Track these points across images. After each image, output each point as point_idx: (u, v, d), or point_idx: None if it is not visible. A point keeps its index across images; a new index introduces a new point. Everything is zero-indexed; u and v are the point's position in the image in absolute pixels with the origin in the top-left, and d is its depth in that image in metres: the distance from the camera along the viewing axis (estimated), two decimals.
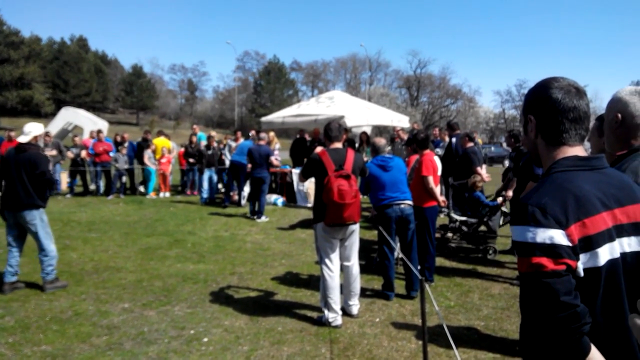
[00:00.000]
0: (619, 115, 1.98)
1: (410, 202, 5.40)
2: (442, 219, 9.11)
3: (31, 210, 5.37)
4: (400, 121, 14.52)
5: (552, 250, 1.28)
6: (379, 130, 32.59)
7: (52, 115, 35.47)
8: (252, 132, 12.49)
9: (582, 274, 1.31)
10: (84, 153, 13.32)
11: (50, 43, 64.35)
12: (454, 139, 10.33)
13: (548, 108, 1.47)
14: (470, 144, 8.90)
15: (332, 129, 4.79)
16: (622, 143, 2.00)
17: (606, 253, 1.33)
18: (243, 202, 11.81)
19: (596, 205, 1.35)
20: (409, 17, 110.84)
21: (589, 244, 1.32)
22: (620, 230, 1.38)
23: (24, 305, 5.02)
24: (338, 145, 4.78)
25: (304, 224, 9.61)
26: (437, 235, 7.43)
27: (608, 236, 1.34)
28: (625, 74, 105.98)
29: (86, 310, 4.90)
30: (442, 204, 6.01)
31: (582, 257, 1.31)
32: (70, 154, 13.02)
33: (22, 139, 5.48)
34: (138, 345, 4.13)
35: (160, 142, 13.77)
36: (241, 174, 11.35)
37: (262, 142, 10.37)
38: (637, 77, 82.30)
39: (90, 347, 4.10)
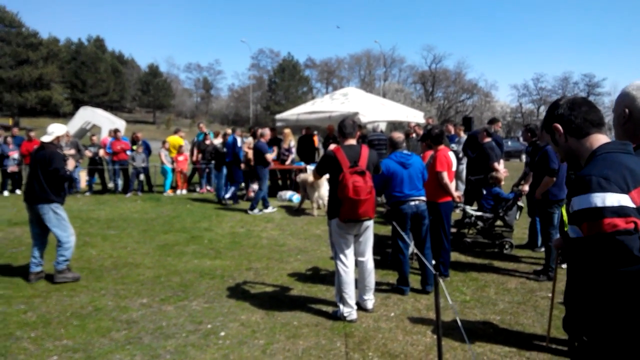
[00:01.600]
0: (627, 110, 1.98)
1: (424, 198, 5.40)
2: (457, 215, 9.07)
3: (44, 205, 5.64)
4: (415, 117, 14.45)
5: (622, 211, 1.45)
6: (394, 126, 32.46)
7: (71, 115, 36.05)
8: (238, 130, 12.51)
9: None
10: (102, 152, 13.53)
11: (68, 44, 65.26)
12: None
13: (568, 111, 1.77)
14: (488, 139, 8.83)
15: (345, 126, 4.80)
16: (631, 137, 1.99)
17: None
18: (229, 196, 11.82)
19: None
20: (423, 13, 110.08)
21: None
22: None
23: (45, 301, 5.14)
24: (352, 141, 4.79)
25: (319, 220, 9.64)
26: (453, 230, 7.41)
27: None
28: None
29: (105, 306, 4.99)
30: (457, 200, 5.99)
31: None
32: (88, 153, 13.23)
33: (45, 139, 5.78)
34: (156, 340, 4.20)
35: (173, 140, 13.91)
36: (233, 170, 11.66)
37: (263, 139, 10.59)
38: None
39: (110, 341, 4.18)
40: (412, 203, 5.28)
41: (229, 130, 12.71)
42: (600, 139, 1.71)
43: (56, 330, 4.41)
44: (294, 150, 13.21)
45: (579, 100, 1.78)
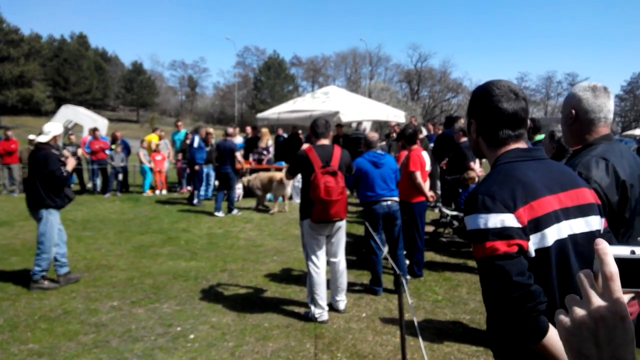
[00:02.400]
0: (573, 111, 2.00)
1: (396, 199, 5.42)
2: (434, 214, 9.13)
3: (39, 210, 5.45)
4: (397, 116, 14.51)
5: (503, 232, 1.35)
6: (380, 125, 32.57)
7: (53, 113, 35.47)
8: (203, 129, 12.42)
9: (533, 254, 1.38)
10: (80, 151, 13.35)
11: (50, 41, 64.23)
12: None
13: (488, 115, 1.57)
14: (464, 139, 8.89)
15: (318, 126, 4.80)
16: (577, 138, 2.02)
17: (554, 233, 1.40)
18: (195, 200, 11.59)
19: (541, 189, 1.43)
20: (409, 11, 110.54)
21: (537, 225, 1.39)
22: (567, 213, 1.45)
23: (14, 304, 5.06)
24: (325, 141, 4.80)
25: (298, 220, 9.61)
26: (429, 229, 7.46)
27: (555, 217, 1.42)
28: (626, 67, 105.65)
29: (75, 309, 4.94)
30: (431, 199, 6.02)
31: (532, 238, 1.38)
32: (66, 153, 13.04)
33: (42, 139, 5.56)
34: (124, 343, 4.17)
35: (150, 137, 13.79)
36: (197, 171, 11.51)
37: (229, 138, 10.37)
38: (637, 69, 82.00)
39: (77, 345, 4.14)
40: (384, 203, 5.30)
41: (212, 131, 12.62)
42: (509, 147, 1.55)
43: (23, 334, 4.35)
44: (271, 149, 13.15)
45: (508, 111, 1.54)
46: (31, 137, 13.68)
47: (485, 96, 1.57)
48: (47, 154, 5.46)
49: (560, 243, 1.41)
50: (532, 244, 1.38)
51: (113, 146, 13.47)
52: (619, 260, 0.70)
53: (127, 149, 13.73)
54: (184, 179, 13.90)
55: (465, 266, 6.49)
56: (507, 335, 1.39)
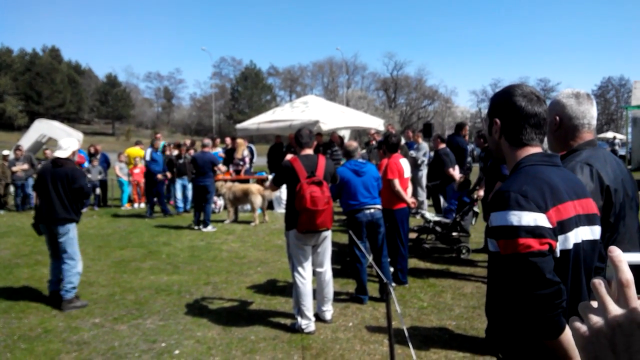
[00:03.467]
0: (557, 117, 2.05)
1: (379, 207, 5.45)
2: (417, 220, 9.19)
3: (66, 224, 5.40)
4: (375, 124, 14.61)
5: (537, 231, 1.39)
6: (359, 133, 32.77)
7: (26, 127, 34.74)
8: (162, 139, 12.47)
9: (558, 254, 1.43)
10: None
11: (21, 54, 63.08)
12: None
13: (512, 113, 1.61)
14: (442, 146, 9.01)
15: (302, 136, 4.80)
16: (562, 144, 2.07)
17: (573, 237, 1.47)
18: (148, 212, 11.67)
19: (564, 194, 1.49)
20: (384, 20, 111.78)
21: (563, 227, 1.45)
22: (579, 220, 1.51)
23: None
24: (309, 151, 4.80)
25: (281, 231, 9.58)
26: (412, 236, 7.50)
27: (575, 222, 1.48)
28: (596, 71, 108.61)
29: (56, 327, 4.82)
30: (412, 206, 6.07)
31: (559, 238, 1.44)
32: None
33: (61, 154, 5.52)
34: None
35: (133, 151, 13.61)
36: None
37: (206, 149, 10.17)
38: (607, 74, 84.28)
39: None
40: (367, 211, 5.32)
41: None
42: (530, 150, 1.60)
43: (2, 354, 4.23)
44: (247, 160, 13.09)
45: (532, 111, 1.59)
46: (5, 152, 13.39)
47: (509, 97, 1.62)
48: (75, 169, 5.56)
49: (576, 247, 1.48)
50: (558, 245, 1.43)
51: (92, 159, 13.26)
52: (632, 267, 0.70)
53: (106, 163, 13.53)
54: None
55: (448, 272, 6.55)
56: (527, 330, 1.42)
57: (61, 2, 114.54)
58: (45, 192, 5.41)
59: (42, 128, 20.26)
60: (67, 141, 5.73)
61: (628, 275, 0.68)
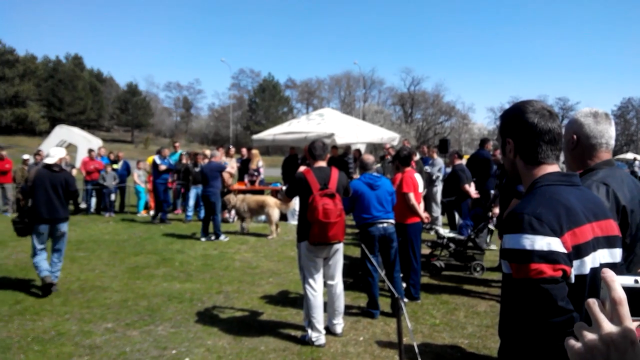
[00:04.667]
0: (575, 136, 2.04)
1: (392, 221, 5.43)
2: (431, 236, 9.14)
3: (65, 223, 6.23)
4: (391, 138, 14.61)
5: (550, 256, 1.33)
6: (374, 147, 32.76)
7: (47, 133, 35.40)
8: (164, 150, 12.80)
9: (573, 280, 1.37)
10: (75, 171, 13.31)
11: (45, 61, 64.55)
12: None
13: (525, 131, 1.56)
14: (459, 161, 8.98)
15: (315, 148, 4.83)
16: (579, 163, 2.06)
17: (590, 262, 1.40)
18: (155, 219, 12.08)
19: (581, 216, 1.43)
20: (402, 35, 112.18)
21: (579, 252, 1.38)
22: (597, 243, 1.45)
23: (6, 325, 4.99)
24: (322, 164, 4.82)
25: (293, 242, 9.60)
26: (426, 252, 7.46)
27: (592, 246, 1.42)
28: (616, 91, 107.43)
29: (69, 330, 4.87)
30: (426, 220, 6.05)
31: (574, 264, 1.37)
32: None
33: (50, 161, 6.22)
34: None
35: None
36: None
37: (215, 159, 10.27)
38: (627, 94, 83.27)
39: None
40: (380, 225, 5.31)
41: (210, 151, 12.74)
42: (547, 169, 1.56)
43: (16, 355, 4.28)
44: (262, 170, 13.17)
45: (545, 128, 1.55)
46: (25, 157, 13.65)
47: (520, 114, 1.58)
48: (70, 175, 6.35)
49: (594, 272, 1.41)
50: (573, 270, 1.37)
51: (115, 165, 13.48)
52: (624, 289, 0.72)
53: (127, 170, 13.75)
54: (179, 199, 13.89)
55: (462, 289, 6.48)
56: (537, 357, 1.37)
57: (85, 12, 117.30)
58: (45, 195, 6.00)
59: (63, 134, 20.65)
60: (54, 150, 6.54)
61: (621, 294, 0.69)
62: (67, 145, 20.59)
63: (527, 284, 1.35)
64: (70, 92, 60.73)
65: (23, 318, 5.22)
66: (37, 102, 57.08)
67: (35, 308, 5.52)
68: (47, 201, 5.98)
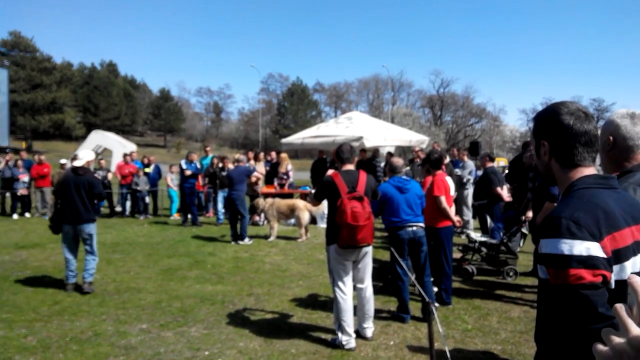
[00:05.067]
0: (611, 137, 2.00)
1: (422, 224, 5.39)
2: (462, 240, 9.02)
3: (89, 224, 6.34)
4: (420, 141, 14.50)
5: (589, 261, 1.30)
6: (403, 150, 32.56)
7: (82, 138, 36.47)
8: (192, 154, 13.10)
9: (613, 286, 1.33)
10: (110, 175, 13.69)
11: (81, 68, 66.49)
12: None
13: (561, 133, 1.53)
14: (490, 164, 8.85)
15: (343, 151, 4.84)
16: (615, 165, 2.01)
17: (630, 267, 1.36)
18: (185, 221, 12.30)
19: (620, 220, 1.39)
20: (431, 37, 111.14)
21: (619, 256, 1.35)
22: (637, 247, 1.41)
23: (46, 325, 5.16)
24: (350, 167, 4.83)
25: (323, 245, 9.61)
26: (457, 256, 7.36)
27: (632, 250, 1.38)
28: None
29: (105, 331, 5.01)
30: (457, 224, 5.98)
31: (614, 268, 1.34)
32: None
33: (77, 163, 6.49)
34: None
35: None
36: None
37: (241, 164, 10.51)
38: None
39: None
40: (410, 229, 5.28)
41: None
42: (584, 171, 1.52)
43: (55, 355, 4.42)
44: (291, 174, 13.25)
45: (581, 129, 1.51)
46: (63, 161, 14.10)
47: (555, 116, 1.55)
48: (94, 177, 6.54)
49: None
50: (613, 276, 1.34)
51: (147, 169, 13.80)
52: None
53: (159, 173, 14.04)
54: (210, 202, 14.09)
55: (494, 295, 6.37)
56: None
57: (120, 20, 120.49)
58: (69, 196, 6.24)
59: (98, 139, 21.28)
60: (82, 153, 6.80)
61: None
62: (103, 149, 21.20)
63: (565, 290, 1.32)
64: (105, 98, 62.35)
65: (62, 318, 5.39)
66: (74, 108, 58.74)
67: (73, 309, 5.69)
68: (71, 203, 6.22)
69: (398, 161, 5.70)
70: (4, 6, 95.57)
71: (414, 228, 5.30)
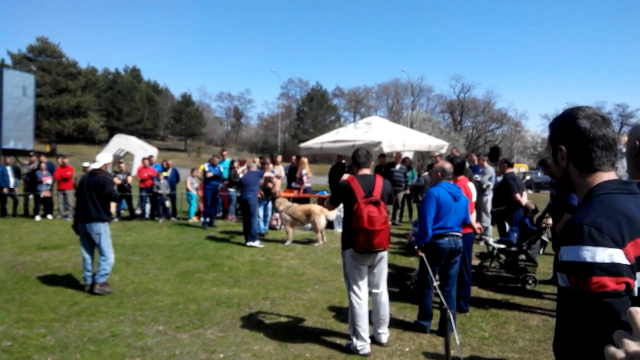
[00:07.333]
0: (637, 142, 1.95)
1: (461, 235, 5.20)
2: (480, 247, 8.91)
3: (97, 223, 6.46)
4: (439, 146, 14.38)
5: (612, 269, 1.27)
6: (422, 155, 32.35)
7: (106, 142, 37.15)
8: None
9: (636, 293, 1.30)
10: (129, 178, 13.89)
11: (105, 73, 67.75)
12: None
13: (578, 137, 1.51)
14: (510, 170, 8.73)
15: (360, 156, 4.82)
16: None
17: None
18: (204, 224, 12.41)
19: None
20: (452, 42, 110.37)
21: None
22: None
23: (64, 325, 5.24)
24: (366, 171, 4.81)
25: (339, 250, 9.57)
26: (475, 263, 7.26)
27: None
28: None
29: (122, 332, 5.06)
30: (478, 231, 5.89)
31: (637, 275, 1.30)
32: (117, 180, 13.59)
33: (95, 166, 6.78)
34: None
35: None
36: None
37: (252, 169, 10.63)
38: None
39: None
40: (452, 238, 5.06)
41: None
42: (603, 176, 1.49)
43: (72, 355, 4.48)
44: (305, 178, 13.28)
45: (598, 133, 1.49)
46: (85, 164, 14.36)
47: (571, 120, 1.54)
48: (105, 177, 6.63)
49: None
50: (636, 283, 1.30)
51: (165, 173, 13.96)
52: None
53: (176, 177, 14.19)
54: (232, 205, 14.20)
55: (512, 302, 6.27)
56: None
57: (143, 26, 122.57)
58: (82, 196, 6.50)
59: (120, 143, 21.65)
60: (100, 156, 7.10)
61: None
62: (125, 153, 21.55)
63: (587, 298, 1.28)
64: (128, 103, 63.36)
65: (80, 319, 5.46)
66: (97, 112, 59.76)
67: (92, 309, 5.77)
68: (83, 202, 6.48)
69: (450, 167, 5.40)
70: (33, 12, 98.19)
71: (456, 238, 5.11)
